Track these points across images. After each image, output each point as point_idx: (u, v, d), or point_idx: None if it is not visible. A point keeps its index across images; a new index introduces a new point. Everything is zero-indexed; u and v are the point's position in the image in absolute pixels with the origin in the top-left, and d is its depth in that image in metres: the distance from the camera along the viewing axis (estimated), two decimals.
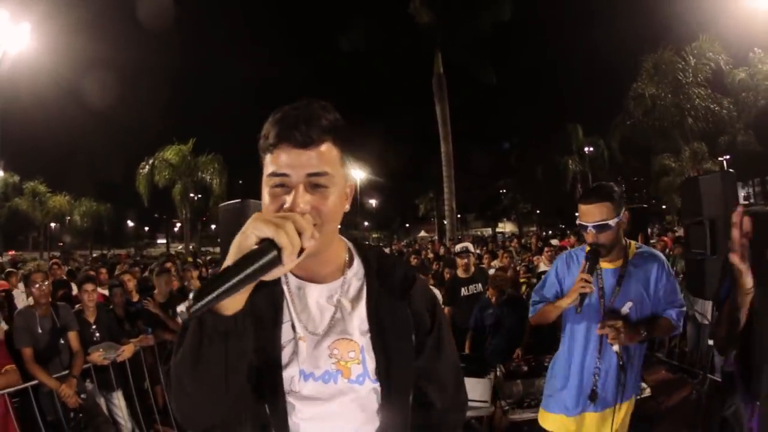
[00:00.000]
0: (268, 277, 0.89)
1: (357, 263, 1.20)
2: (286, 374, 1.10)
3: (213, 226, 57.83)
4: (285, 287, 1.13)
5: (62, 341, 4.07)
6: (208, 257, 16.36)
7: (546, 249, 7.66)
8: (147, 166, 23.25)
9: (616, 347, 2.39)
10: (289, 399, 1.11)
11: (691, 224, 3.27)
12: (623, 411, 2.50)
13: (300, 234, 0.90)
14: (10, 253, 28.72)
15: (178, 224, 58.80)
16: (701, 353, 5.68)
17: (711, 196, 3.14)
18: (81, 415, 3.98)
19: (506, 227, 50.67)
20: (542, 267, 7.08)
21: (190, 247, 25.69)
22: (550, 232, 30.50)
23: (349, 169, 1.13)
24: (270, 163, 1.02)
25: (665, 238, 7.82)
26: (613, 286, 2.44)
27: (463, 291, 5.10)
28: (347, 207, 1.13)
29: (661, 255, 2.57)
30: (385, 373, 1.13)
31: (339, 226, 1.13)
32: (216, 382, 0.94)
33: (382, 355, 1.13)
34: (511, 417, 3.80)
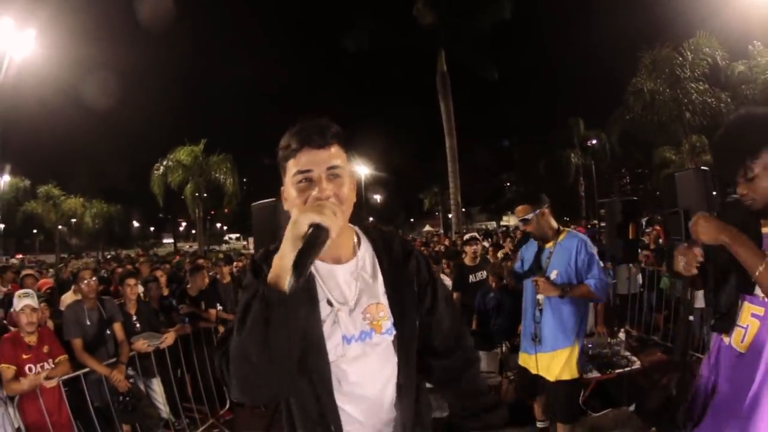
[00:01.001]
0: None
1: (365, 242, 1.48)
2: (331, 344, 1.35)
3: (218, 225, 58.31)
4: (315, 273, 1.38)
5: (108, 332, 4.43)
6: (220, 255, 16.72)
7: None
8: (161, 167, 23.66)
9: (539, 296, 3.33)
10: (338, 365, 1.37)
11: (669, 214, 3.70)
12: (564, 355, 3.33)
13: (335, 214, 1.16)
14: (17, 256, 28.92)
15: (184, 224, 59.41)
16: (692, 335, 6.04)
17: (686, 190, 3.55)
18: (128, 399, 4.29)
19: (510, 220, 50.64)
20: None
21: (204, 246, 26.13)
22: None
23: (353, 168, 1.49)
24: (293, 166, 1.28)
25: (657, 227, 8.06)
26: (546, 260, 3.46)
27: (471, 278, 5.49)
28: (354, 198, 1.39)
29: (583, 237, 3.43)
30: (400, 322, 1.42)
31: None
32: (283, 345, 1.14)
33: (397, 308, 1.42)
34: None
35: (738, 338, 2.05)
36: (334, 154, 1.29)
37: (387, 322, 1.41)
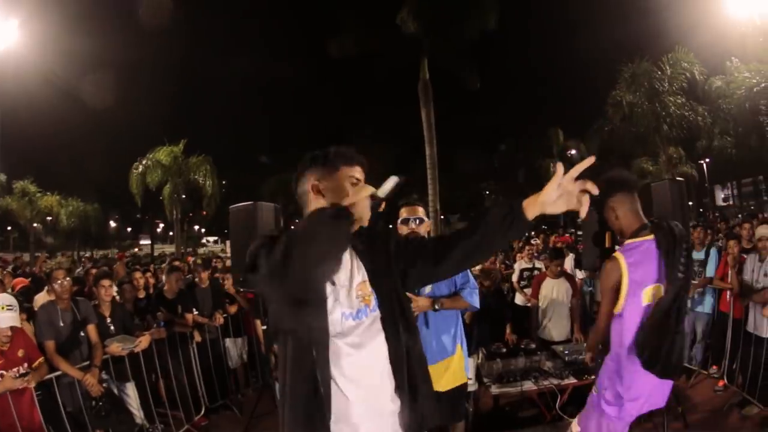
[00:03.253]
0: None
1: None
2: (332, 318, 1.56)
3: (196, 227, 57.62)
4: None
5: (82, 334, 4.31)
6: (199, 261, 16.38)
7: (527, 247, 8.04)
8: (141, 167, 23.38)
9: (416, 313, 3.17)
10: (335, 340, 1.56)
11: None
12: (445, 365, 3.26)
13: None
14: None
15: (162, 225, 58.54)
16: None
17: (661, 200, 3.65)
18: (101, 403, 4.18)
19: None
20: (523, 264, 7.47)
21: (182, 248, 25.79)
22: (533, 233, 30.78)
23: None
24: (350, 170, 1.67)
25: None
26: None
27: None
28: None
29: None
30: (380, 295, 1.65)
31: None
32: (328, 253, 1.40)
33: (376, 281, 1.67)
34: (492, 392, 4.25)
35: None
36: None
37: (373, 297, 1.66)
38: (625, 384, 2.51)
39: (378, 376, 1.62)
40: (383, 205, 1.55)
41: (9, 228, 40.40)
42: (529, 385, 4.26)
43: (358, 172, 1.67)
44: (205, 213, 28.71)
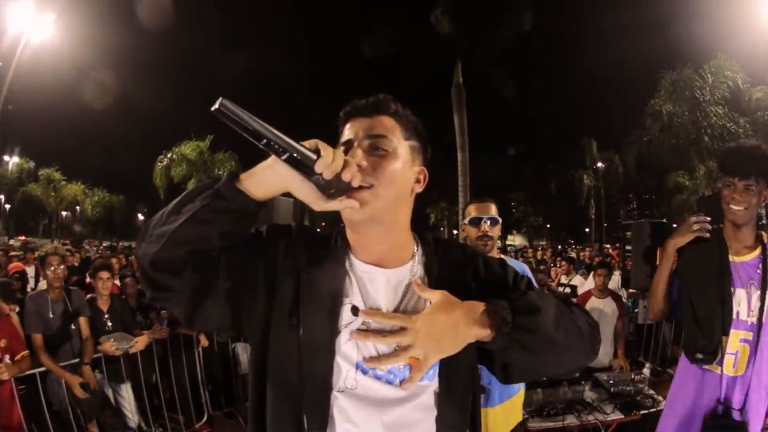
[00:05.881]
0: (301, 194, 0.91)
1: (420, 250, 1.10)
2: (338, 365, 0.97)
3: None
4: (349, 270, 1.03)
5: (73, 327, 4.00)
6: None
7: (562, 262, 7.62)
8: (165, 160, 23.52)
9: None
10: (340, 397, 0.97)
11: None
12: (513, 403, 2.68)
13: (344, 166, 0.88)
14: (20, 237, 29.09)
15: None
16: None
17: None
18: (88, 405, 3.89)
19: (516, 240, 50.21)
20: (562, 278, 6.94)
21: None
22: (560, 246, 30.12)
23: (420, 156, 1.09)
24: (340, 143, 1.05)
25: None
26: None
27: None
28: (418, 189, 1.09)
29: (520, 263, 2.90)
30: (448, 362, 0.98)
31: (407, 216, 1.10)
32: (191, 243, 0.92)
33: None
34: (530, 426, 3.68)
35: (729, 365, 2.18)
36: (381, 124, 1.02)
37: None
38: None
39: None
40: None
41: (40, 215, 41.40)
42: (571, 420, 3.71)
43: (346, 134, 1.06)
44: None
